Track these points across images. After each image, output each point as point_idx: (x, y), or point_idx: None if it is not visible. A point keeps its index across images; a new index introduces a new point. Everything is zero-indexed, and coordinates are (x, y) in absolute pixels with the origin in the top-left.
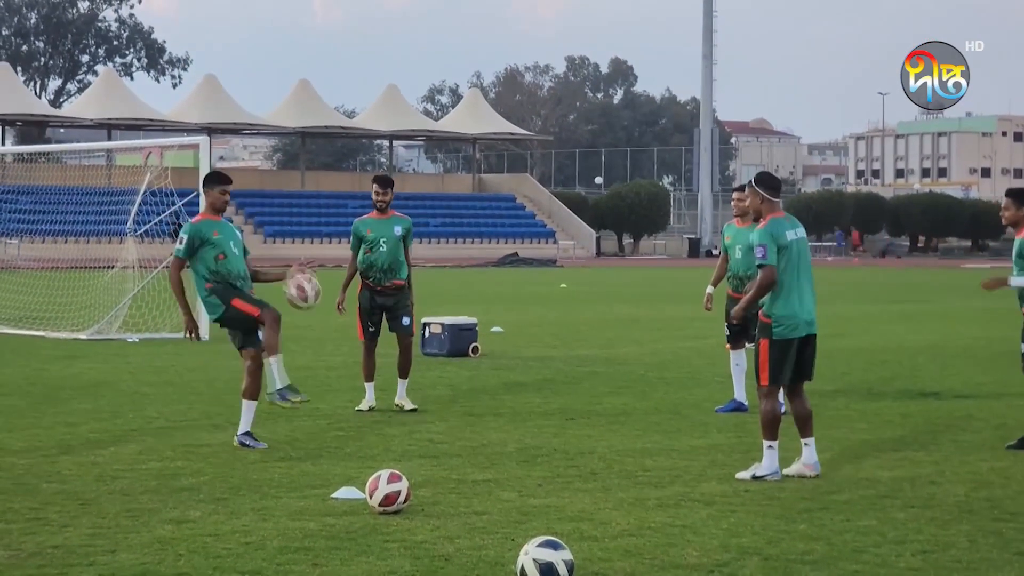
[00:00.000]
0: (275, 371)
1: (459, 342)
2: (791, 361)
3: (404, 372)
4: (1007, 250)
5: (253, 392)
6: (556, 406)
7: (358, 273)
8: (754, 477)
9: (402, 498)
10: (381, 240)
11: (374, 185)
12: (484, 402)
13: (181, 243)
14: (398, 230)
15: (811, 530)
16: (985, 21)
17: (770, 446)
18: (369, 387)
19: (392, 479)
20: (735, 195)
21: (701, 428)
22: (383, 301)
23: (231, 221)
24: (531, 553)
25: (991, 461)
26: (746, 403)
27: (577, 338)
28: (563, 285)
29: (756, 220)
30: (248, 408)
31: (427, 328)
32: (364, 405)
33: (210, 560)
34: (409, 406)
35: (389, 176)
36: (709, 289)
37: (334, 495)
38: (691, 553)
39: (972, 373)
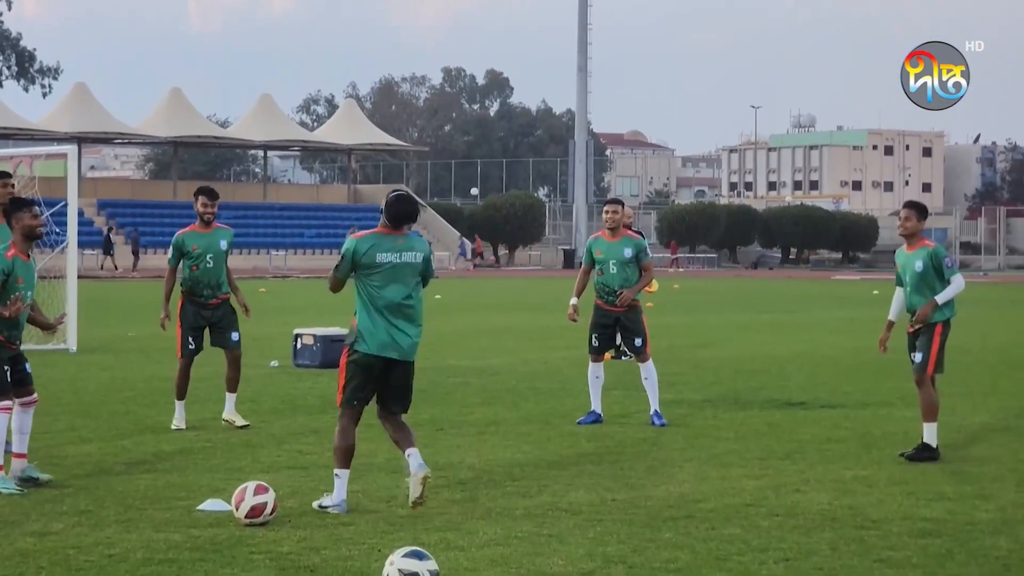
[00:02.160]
0: None
1: (331, 353)
2: None
3: (233, 386)
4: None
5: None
6: (426, 416)
7: (176, 287)
8: None
9: (268, 509)
10: (208, 256)
11: (202, 197)
12: None
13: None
14: (223, 243)
15: (676, 538)
16: (984, 21)
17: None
18: (180, 405)
19: (259, 491)
20: (608, 208)
21: (570, 438)
22: (209, 315)
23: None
24: (396, 563)
25: (855, 469)
26: (602, 415)
27: (449, 349)
28: (437, 296)
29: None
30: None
31: (299, 339)
32: (179, 424)
33: (72, 573)
34: (240, 422)
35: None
36: (574, 300)
37: (200, 507)
38: (557, 562)
39: (839, 383)
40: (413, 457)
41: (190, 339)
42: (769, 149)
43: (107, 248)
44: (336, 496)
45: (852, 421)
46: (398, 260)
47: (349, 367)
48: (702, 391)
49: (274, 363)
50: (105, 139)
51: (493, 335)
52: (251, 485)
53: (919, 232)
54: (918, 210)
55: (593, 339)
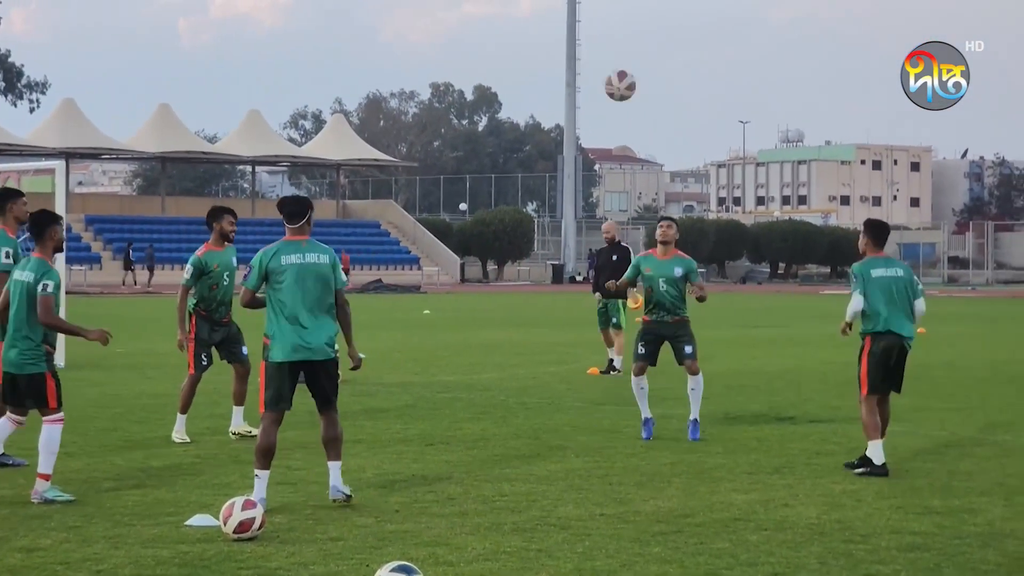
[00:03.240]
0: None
1: None
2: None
3: (241, 400)
4: None
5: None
6: (416, 432)
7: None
8: None
9: (256, 524)
10: (225, 274)
11: (227, 216)
12: (344, 428)
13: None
14: (234, 260)
15: (665, 553)
16: (984, 21)
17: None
18: (182, 419)
19: (247, 506)
20: (663, 224)
21: (559, 452)
22: (222, 333)
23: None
24: None
25: (844, 484)
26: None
27: (439, 364)
28: (426, 311)
29: None
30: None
31: None
32: (182, 436)
33: None
34: (254, 431)
35: None
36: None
37: (188, 522)
38: None
39: (827, 397)
40: (333, 474)
41: (203, 356)
42: (757, 164)
43: (127, 263)
44: (256, 495)
45: (841, 436)
46: (301, 261)
47: (266, 373)
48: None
49: None
50: (93, 154)
51: (482, 350)
52: (239, 500)
53: (866, 248)
54: (863, 227)
55: (639, 347)
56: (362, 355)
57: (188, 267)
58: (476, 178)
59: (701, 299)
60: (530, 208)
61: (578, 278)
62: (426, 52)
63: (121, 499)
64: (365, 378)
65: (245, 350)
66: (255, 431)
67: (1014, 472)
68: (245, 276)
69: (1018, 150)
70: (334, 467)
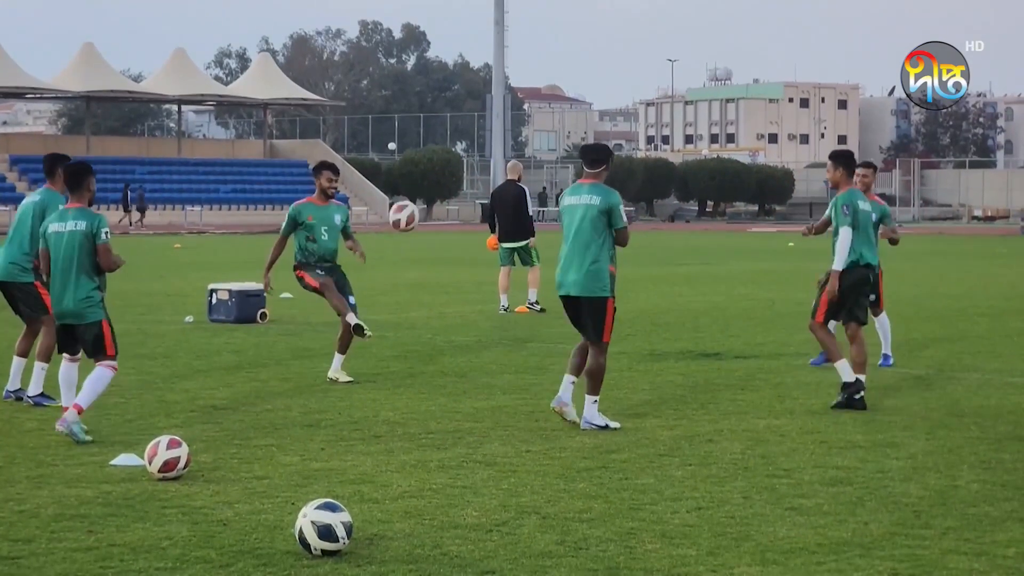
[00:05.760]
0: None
1: (247, 308)
2: None
3: (344, 347)
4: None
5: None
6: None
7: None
8: None
9: (182, 464)
10: (323, 228)
11: (327, 172)
12: (271, 368)
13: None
14: (338, 218)
15: (590, 488)
16: (984, 20)
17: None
18: (351, 316)
19: (172, 445)
20: (860, 171)
21: (486, 391)
22: (331, 273)
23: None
24: (309, 515)
25: (768, 419)
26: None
27: (366, 303)
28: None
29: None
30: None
31: (214, 295)
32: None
33: None
34: (344, 378)
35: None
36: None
37: (112, 462)
38: (471, 513)
39: (753, 334)
40: None
41: (319, 270)
42: (686, 103)
43: (125, 204)
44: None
45: (766, 372)
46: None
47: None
48: (617, 343)
49: (189, 319)
50: (17, 93)
51: (410, 289)
52: (164, 439)
53: (841, 181)
54: (833, 159)
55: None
56: None
57: (286, 216)
58: (404, 117)
59: (894, 241)
60: (459, 148)
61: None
62: None
63: (44, 439)
64: (292, 318)
65: (352, 299)
66: (344, 379)
67: (936, 407)
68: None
69: None
70: (589, 401)
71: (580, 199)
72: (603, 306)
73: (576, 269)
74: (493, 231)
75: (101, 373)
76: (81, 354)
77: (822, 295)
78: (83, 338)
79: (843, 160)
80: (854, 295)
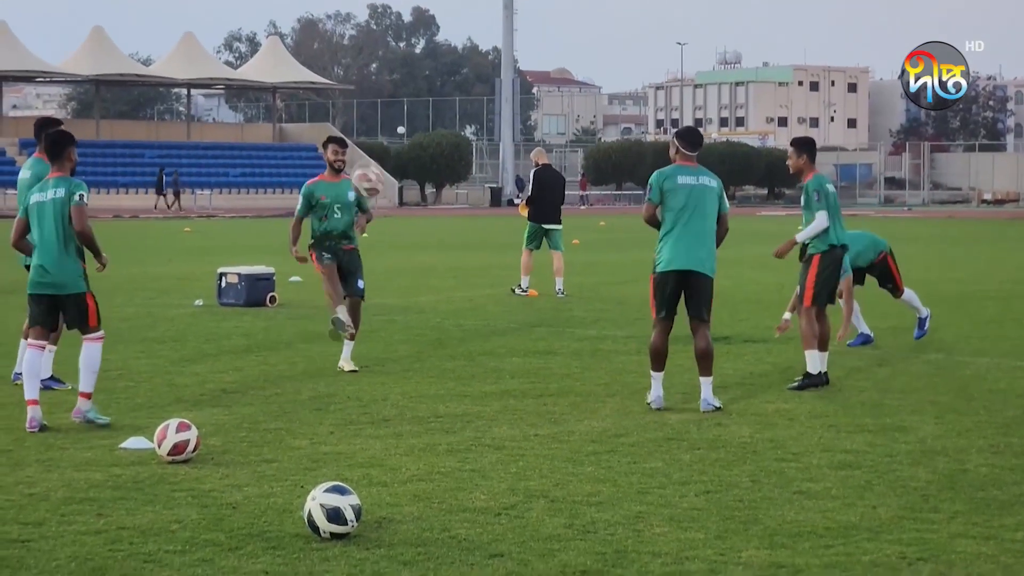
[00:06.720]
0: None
1: (256, 292)
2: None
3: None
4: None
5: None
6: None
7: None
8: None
9: (191, 447)
10: (336, 206)
11: (332, 145)
12: (280, 352)
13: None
14: (351, 194)
15: (598, 472)
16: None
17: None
18: (341, 310)
19: (181, 428)
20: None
21: (495, 374)
22: (341, 256)
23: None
24: (318, 499)
25: (776, 403)
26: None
27: (375, 287)
28: (364, 235)
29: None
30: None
31: (223, 278)
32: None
33: None
34: (350, 367)
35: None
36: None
37: (122, 445)
38: (479, 497)
39: (761, 318)
40: (705, 389)
41: (324, 254)
42: (695, 86)
43: (160, 188)
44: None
45: (775, 355)
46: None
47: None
48: (626, 327)
49: (198, 302)
50: (27, 77)
51: (419, 274)
52: (173, 423)
53: (804, 167)
54: (796, 146)
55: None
56: None
57: (300, 197)
58: (414, 101)
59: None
60: (468, 131)
61: (516, 200)
62: None
63: (54, 422)
64: (301, 301)
65: (361, 283)
66: (349, 368)
67: (945, 390)
68: (647, 191)
69: None
70: (706, 383)
71: (698, 180)
72: (713, 286)
73: (704, 247)
74: (528, 202)
75: (91, 350)
76: (47, 342)
77: (807, 278)
78: (65, 308)
79: (806, 147)
80: (834, 277)
